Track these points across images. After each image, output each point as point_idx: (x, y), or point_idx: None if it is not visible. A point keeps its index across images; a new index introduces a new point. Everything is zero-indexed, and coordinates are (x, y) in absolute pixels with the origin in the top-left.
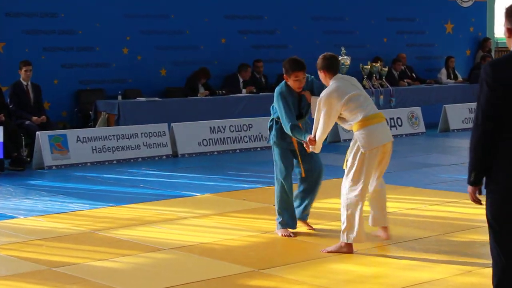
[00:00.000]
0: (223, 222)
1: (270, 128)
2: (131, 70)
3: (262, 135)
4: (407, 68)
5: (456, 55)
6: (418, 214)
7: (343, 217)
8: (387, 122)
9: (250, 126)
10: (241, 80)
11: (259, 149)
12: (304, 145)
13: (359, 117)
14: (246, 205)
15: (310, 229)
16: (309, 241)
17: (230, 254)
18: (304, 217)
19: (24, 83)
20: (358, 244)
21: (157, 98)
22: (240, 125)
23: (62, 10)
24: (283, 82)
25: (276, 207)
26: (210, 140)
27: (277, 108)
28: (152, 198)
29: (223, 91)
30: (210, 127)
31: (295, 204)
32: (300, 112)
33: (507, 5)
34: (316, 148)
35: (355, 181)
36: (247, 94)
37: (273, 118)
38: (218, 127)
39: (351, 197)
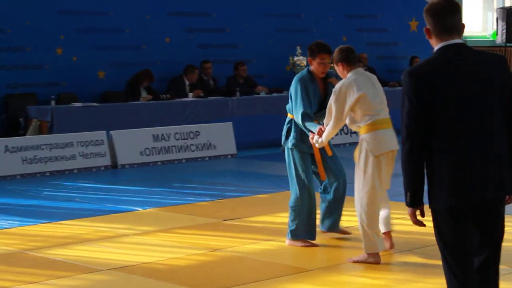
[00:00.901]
0: (167, 240)
1: (289, 131)
2: (65, 72)
3: (210, 143)
4: (369, 69)
5: (421, 54)
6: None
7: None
8: (346, 127)
9: (198, 133)
10: (187, 83)
11: (207, 158)
12: (310, 137)
13: (369, 120)
14: (193, 221)
15: (345, 234)
16: (262, 259)
17: (175, 275)
18: (337, 228)
19: None
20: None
21: (94, 104)
22: (187, 132)
23: None
24: (305, 69)
25: (289, 216)
26: (153, 149)
27: (293, 95)
28: (89, 214)
29: (168, 95)
30: (153, 135)
31: (326, 215)
32: (322, 104)
33: (426, 6)
34: (323, 141)
35: (367, 186)
36: (194, 99)
37: (290, 120)
38: (162, 134)
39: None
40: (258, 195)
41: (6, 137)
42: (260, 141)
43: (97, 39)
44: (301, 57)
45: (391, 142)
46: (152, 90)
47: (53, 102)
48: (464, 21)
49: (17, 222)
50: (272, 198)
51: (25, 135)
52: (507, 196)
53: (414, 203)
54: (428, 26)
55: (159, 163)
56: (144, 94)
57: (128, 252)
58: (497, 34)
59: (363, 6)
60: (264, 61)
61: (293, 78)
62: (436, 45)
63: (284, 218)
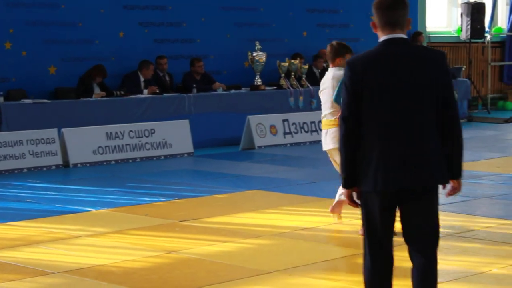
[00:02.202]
0: (121, 241)
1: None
2: (14, 67)
3: (166, 142)
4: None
5: None
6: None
7: None
8: (308, 126)
9: (153, 131)
10: (142, 79)
11: (162, 157)
12: None
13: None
14: (148, 222)
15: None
16: (219, 261)
17: (130, 278)
18: None
19: None
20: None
21: (45, 100)
22: (141, 130)
23: None
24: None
25: None
26: (107, 148)
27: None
28: (39, 215)
29: (122, 92)
30: (107, 133)
31: None
32: None
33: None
34: None
35: None
36: (149, 95)
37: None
38: (116, 132)
39: None
40: (215, 195)
41: None
42: (218, 140)
43: (48, 32)
44: (260, 53)
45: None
46: (105, 86)
47: (1, 99)
48: (428, 16)
49: None
50: (230, 198)
51: None
52: (446, 187)
53: (347, 184)
54: (374, 20)
55: (113, 162)
56: (97, 90)
57: (80, 254)
58: (461, 30)
59: (324, 1)
60: (222, 56)
61: (252, 74)
62: (380, 38)
63: (241, 219)
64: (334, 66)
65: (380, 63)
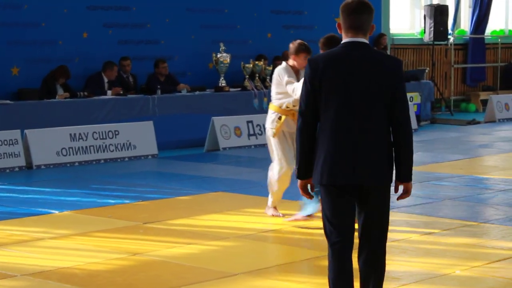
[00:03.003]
0: (85, 244)
1: None
2: None
3: (130, 143)
4: None
5: None
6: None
7: None
8: None
9: (117, 133)
10: (106, 80)
11: (126, 159)
12: None
13: None
14: (112, 224)
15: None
16: (184, 263)
17: (94, 280)
18: None
19: None
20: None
21: (8, 101)
22: (105, 131)
23: None
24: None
25: None
26: (70, 149)
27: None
28: (2, 217)
29: (85, 93)
30: (70, 134)
31: None
32: None
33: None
34: None
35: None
36: (113, 96)
37: None
38: (80, 134)
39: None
40: (179, 197)
41: None
42: (182, 141)
43: (11, 33)
44: (225, 54)
45: None
46: (68, 87)
47: None
48: (391, 18)
49: None
50: (194, 200)
51: None
52: (398, 190)
53: (300, 175)
54: (339, 21)
55: (77, 164)
56: (60, 91)
57: (43, 256)
58: (424, 32)
59: (289, 2)
60: (187, 58)
61: (216, 76)
62: (343, 40)
63: (206, 221)
64: (287, 62)
65: (340, 64)
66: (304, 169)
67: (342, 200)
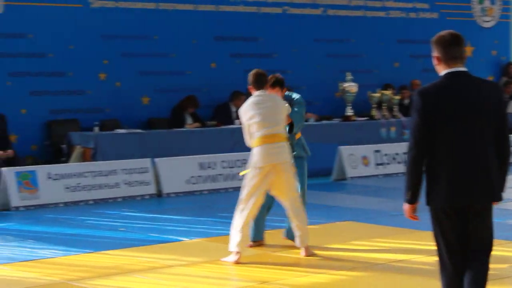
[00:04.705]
0: (214, 271)
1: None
2: (109, 98)
3: None
4: None
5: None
6: None
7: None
8: (400, 156)
9: (245, 161)
10: (233, 109)
11: None
12: None
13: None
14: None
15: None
16: None
17: None
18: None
19: None
20: None
21: (139, 130)
22: (233, 160)
23: (31, 30)
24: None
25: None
26: (199, 178)
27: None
28: (133, 244)
29: (214, 122)
30: (199, 163)
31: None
32: None
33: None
34: None
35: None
36: (240, 126)
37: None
38: (208, 163)
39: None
40: (307, 226)
41: (48, 164)
42: (309, 170)
43: (142, 64)
44: (351, 84)
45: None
46: (197, 116)
47: (96, 129)
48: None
49: (60, 252)
50: (322, 229)
51: (68, 162)
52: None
53: (413, 200)
54: (437, 54)
55: (205, 192)
56: (189, 121)
57: (173, 284)
58: None
59: (416, 31)
60: (313, 87)
61: (343, 105)
62: (443, 71)
63: (333, 251)
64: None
65: (450, 93)
66: (416, 194)
67: (458, 222)
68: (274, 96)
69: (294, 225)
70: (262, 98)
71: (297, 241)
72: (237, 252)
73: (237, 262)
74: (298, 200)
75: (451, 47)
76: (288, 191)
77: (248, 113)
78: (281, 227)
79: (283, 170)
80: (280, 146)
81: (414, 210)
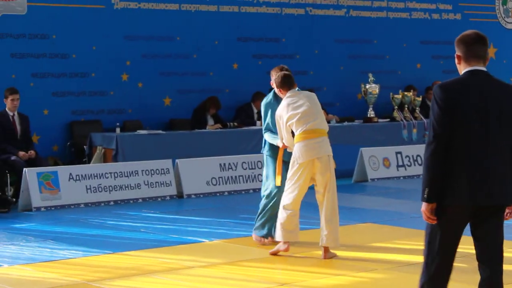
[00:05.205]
0: (234, 272)
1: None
2: (131, 99)
3: None
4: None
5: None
6: None
7: None
8: (421, 159)
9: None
10: (255, 110)
11: None
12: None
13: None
14: (261, 253)
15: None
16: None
17: None
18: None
19: (10, 113)
20: None
21: (160, 131)
22: (254, 161)
23: (53, 31)
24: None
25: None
26: (220, 179)
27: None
28: (154, 245)
29: (235, 123)
30: (220, 164)
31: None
32: None
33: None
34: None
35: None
36: (262, 127)
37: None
38: (229, 164)
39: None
40: None
41: (70, 165)
42: None
43: (164, 65)
44: (374, 85)
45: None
46: (219, 118)
47: (118, 130)
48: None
49: (80, 252)
50: (343, 231)
51: (89, 163)
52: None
53: (431, 199)
54: (459, 53)
55: (226, 193)
56: (211, 122)
57: (194, 285)
58: None
59: (438, 32)
60: (335, 88)
61: (365, 106)
62: (464, 69)
63: (353, 252)
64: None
65: (471, 89)
66: (436, 192)
67: (467, 221)
68: (306, 93)
69: (323, 223)
70: (296, 97)
71: (322, 241)
72: (284, 242)
73: (286, 250)
74: (332, 199)
75: (474, 45)
76: (325, 188)
77: (285, 115)
78: (304, 229)
79: (324, 165)
80: (321, 141)
81: (432, 211)
